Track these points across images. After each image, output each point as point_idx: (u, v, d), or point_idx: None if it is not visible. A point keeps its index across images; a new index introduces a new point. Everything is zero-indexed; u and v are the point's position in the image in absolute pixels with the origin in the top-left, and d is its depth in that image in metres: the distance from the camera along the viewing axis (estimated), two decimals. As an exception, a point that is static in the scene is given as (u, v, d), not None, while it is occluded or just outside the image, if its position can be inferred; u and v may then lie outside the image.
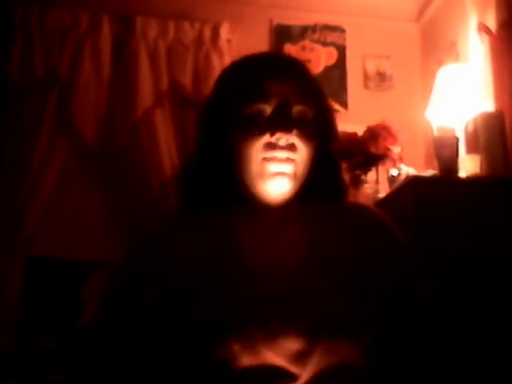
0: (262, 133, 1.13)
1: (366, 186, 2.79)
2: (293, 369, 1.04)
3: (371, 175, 2.84)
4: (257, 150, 1.13)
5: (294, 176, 1.14)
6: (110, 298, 1.19)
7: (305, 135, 1.14)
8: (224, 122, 1.17)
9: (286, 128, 1.12)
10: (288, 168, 1.13)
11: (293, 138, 1.13)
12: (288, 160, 1.13)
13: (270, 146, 1.12)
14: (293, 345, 1.05)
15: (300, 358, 1.05)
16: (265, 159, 1.13)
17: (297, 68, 1.22)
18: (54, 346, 2.90)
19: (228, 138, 1.17)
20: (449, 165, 2.30)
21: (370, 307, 1.12)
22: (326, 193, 1.22)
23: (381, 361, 1.11)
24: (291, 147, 1.13)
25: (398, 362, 1.15)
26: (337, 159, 1.26)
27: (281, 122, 1.12)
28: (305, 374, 1.05)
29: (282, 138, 1.12)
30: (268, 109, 1.14)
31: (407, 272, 1.20)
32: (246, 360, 1.04)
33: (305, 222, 1.19)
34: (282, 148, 1.12)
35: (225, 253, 1.15)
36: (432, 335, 1.18)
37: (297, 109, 1.15)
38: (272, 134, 1.12)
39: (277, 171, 1.13)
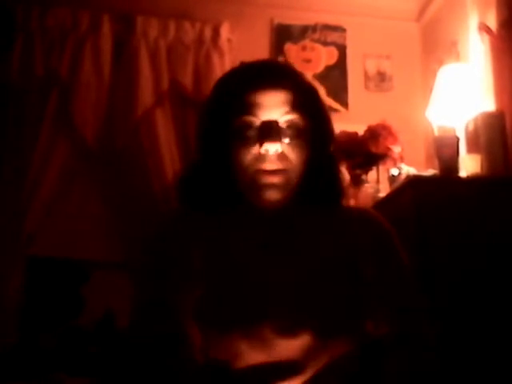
0: (252, 145, 1.15)
1: (366, 185, 2.79)
2: (295, 365, 1.09)
3: (372, 175, 2.84)
4: (248, 161, 1.15)
5: (285, 186, 1.16)
6: (143, 300, 1.22)
7: (295, 144, 1.16)
8: (218, 133, 1.19)
9: (275, 139, 1.13)
10: (278, 179, 1.15)
11: (282, 148, 1.14)
12: (278, 172, 1.15)
13: (261, 158, 1.14)
14: (293, 344, 1.09)
15: (301, 355, 1.09)
16: (256, 171, 1.15)
17: (288, 76, 1.22)
18: (54, 345, 2.90)
19: (224, 148, 1.19)
20: (449, 164, 2.30)
21: (362, 307, 1.16)
22: (324, 198, 1.24)
23: (372, 357, 1.16)
24: (281, 157, 1.14)
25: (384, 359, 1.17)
26: (334, 163, 1.27)
27: (269, 134, 1.14)
28: (307, 370, 1.09)
29: (271, 149, 1.13)
30: (257, 120, 1.16)
31: (398, 288, 1.21)
32: (251, 357, 1.09)
33: (302, 226, 1.22)
34: (271, 160, 1.14)
35: (226, 256, 1.18)
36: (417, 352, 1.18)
37: (286, 118, 1.16)
38: (261, 146, 1.14)
39: (267, 182, 1.15)
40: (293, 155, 1.16)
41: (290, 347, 1.09)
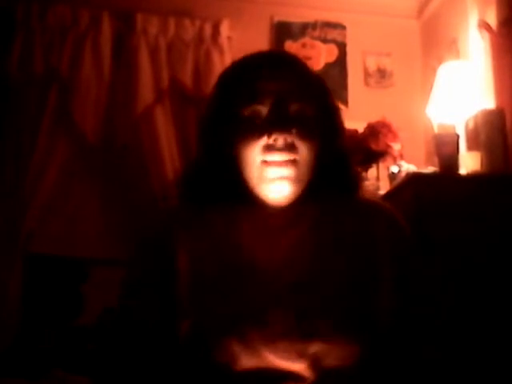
0: (259, 135, 1.10)
1: (366, 182, 2.78)
2: (294, 370, 1.05)
3: (372, 172, 2.84)
4: (256, 152, 1.10)
5: (296, 179, 1.11)
6: (125, 303, 1.19)
7: (304, 133, 1.11)
8: (223, 125, 1.15)
9: (284, 128, 1.09)
10: (288, 171, 1.10)
11: (292, 137, 1.09)
12: (288, 163, 1.10)
13: (269, 148, 1.09)
14: (294, 347, 1.05)
15: (301, 359, 1.05)
16: (264, 162, 1.10)
17: (294, 65, 1.19)
18: (53, 343, 2.91)
19: (228, 142, 1.14)
20: (449, 162, 2.29)
21: (372, 308, 1.11)
22: (336, 189, 1.19)
23: (379, 361, 1.11)
24: (290, 147, 1.09)
25: (393, 362, 1.14)
26: (345, 154, 1.22)
27: (277, 122, 1.09)
28: (307, 375, 1.05)
29: (280, 139, 1.09)
30: (264, 109, 1.11)
31: (411, 275, 1.17)
32: (247, 362, 1.05)
33: (310, 222, 1.17)
34: (280, 150, 1.09)
35: (227, 254, 1.14)
36: (428, 341, 1.15)
37: (294, 107, 1.12)
38: (269, 136, 1.09)
39: (276, 176, 1.10)
40: (302, 145, 1.10)
41: (286, 354, 1.05)
